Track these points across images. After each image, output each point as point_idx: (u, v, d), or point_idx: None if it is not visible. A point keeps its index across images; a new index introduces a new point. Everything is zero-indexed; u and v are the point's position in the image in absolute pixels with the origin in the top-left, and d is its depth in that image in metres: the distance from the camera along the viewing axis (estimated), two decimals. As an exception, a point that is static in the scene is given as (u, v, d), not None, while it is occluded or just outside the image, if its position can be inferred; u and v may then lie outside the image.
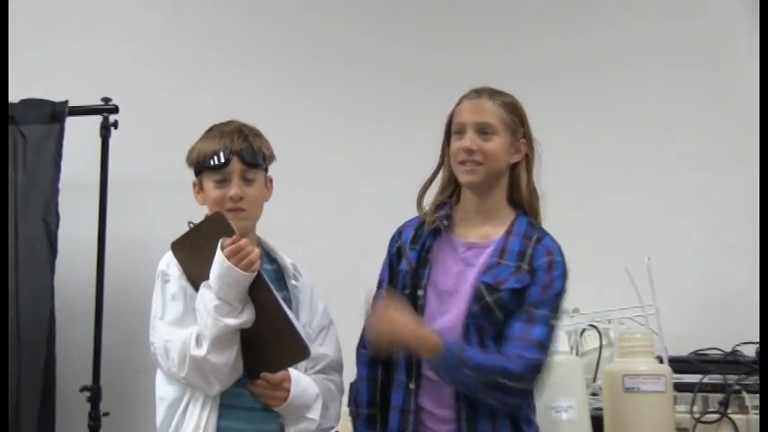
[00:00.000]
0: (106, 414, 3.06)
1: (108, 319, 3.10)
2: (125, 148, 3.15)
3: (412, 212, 2.19)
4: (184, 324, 2.07)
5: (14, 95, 3.04)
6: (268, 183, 2.24)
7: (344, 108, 3.46)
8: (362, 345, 2.26)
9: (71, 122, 3.09)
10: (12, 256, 2.99)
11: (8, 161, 3.24)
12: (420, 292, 2.13)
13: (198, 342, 2.00)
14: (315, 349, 2.19)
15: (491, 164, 2.08)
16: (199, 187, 2.20)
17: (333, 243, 3.18)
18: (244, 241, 1.97)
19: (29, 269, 3.02)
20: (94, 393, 3.04)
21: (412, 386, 2.12)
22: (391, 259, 2.26)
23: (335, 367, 2.26)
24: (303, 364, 2.17)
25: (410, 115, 3.29)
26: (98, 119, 3.12)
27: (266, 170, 2.23)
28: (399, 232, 2.27)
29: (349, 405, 2.26)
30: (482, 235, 2.13)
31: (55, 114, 3.10)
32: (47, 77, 3.34)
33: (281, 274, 2.23)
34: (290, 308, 2.15)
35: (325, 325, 2.27)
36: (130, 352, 3.25)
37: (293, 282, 2.22)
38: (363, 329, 2.22)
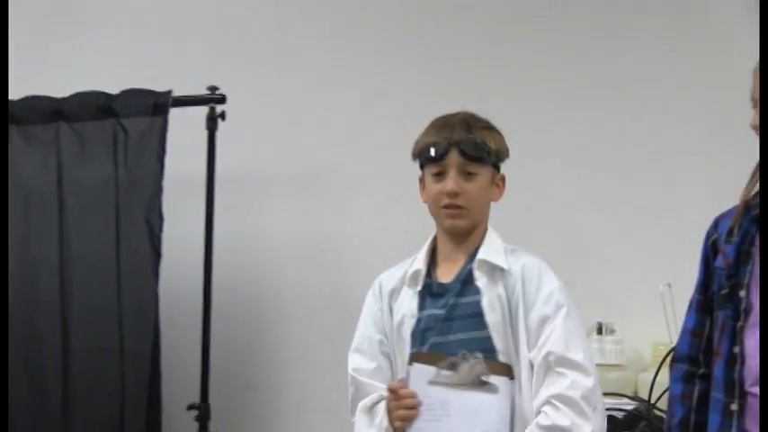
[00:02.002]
0: None
1: (217, 329, 3.07)
2: (234, 142, 3.13)
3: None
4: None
5: (115, 87, 3.08)
6: (498, 181, 2.21)
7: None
8: (675, 358, 2.15)
9: (175, 114, 3.06)
10: (113, 261, 3.00)
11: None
12: (742, 293, 1.97)
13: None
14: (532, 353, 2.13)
15: None
16: (422, 183, 2.22)
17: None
18: (404, 392, 2.07)
19: (131, 275, 3.01)
20: (203, 412, 3.00)
21: (734, 407, 1.95)
22: (706, 255, 2.11)
23: (552, 365, 2.10)
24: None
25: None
26: (204, 110, 3.08)
27: (496, 167, 2.21)
28: (715, 224, 2.15)
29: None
30: None
31: (158, 106, 3.05)
32: (148, 66, 3.34)
33: (470, 276, 2.17)
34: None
35: (548, 315, 2.13)
36: (241, 366, 3.32)
37: (477, 283, 2.14)
38: (678, 341, 2.15)
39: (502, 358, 2.10)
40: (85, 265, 3.05)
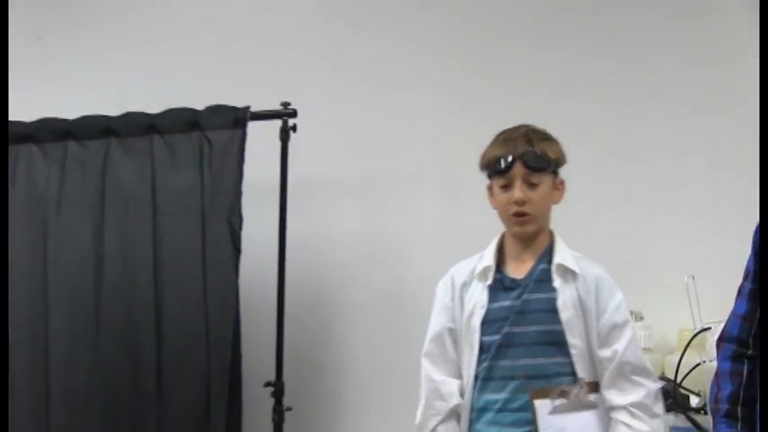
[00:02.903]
0: (289, 409, 3.13)
1: (289, 317, 3.18)
2: (304, 151, 3.23)
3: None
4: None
5: (199, 103, 3.20)
6: (559, 185, 2.29)
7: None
8: (723, 338, 2.18)
9: (252, 127, 3.18)
10: (199, 257, 3.12)
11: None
12: None
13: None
14: (604, 350, 2.21)
15: None
16: (490, 191, 2.30)
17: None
18: None
19: (215, 269, 3.12)
20: (278, 389, 3.12)
21: None
22: (756, 249, 2.14)
23: (626, 373, 2.21)
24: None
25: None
26: (278, 123, 3.19)
27: (555, 173, 2.28)
28: None
29: (709, 402, 2.20)
30: None
31: (238, 120, 3.17)
32: (229, 84, 3.46)
33: (547, 275, 2.25)
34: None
35: (617, 323, 2.22)
36: (311, 349, 3.40)
37: (554, 284, 2.23)
38: (728, 323, 2.16)
39: (573, 351, 2.21)
40: (176, 260, 3.19)
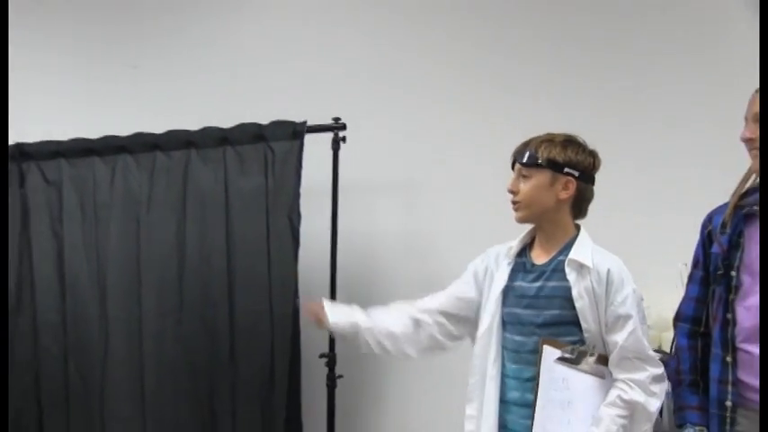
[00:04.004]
0: (341, 376, 3.29)
1: (340, 298, 3.24)
2: (352, 159, 3.34)
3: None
4: None
5: (264, 118, 3.35)
6: (560, 184, 2.30)
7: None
8: (679, 318, 2.29)
9: (308, 138, 3.28)
10: (264, 248, 3.27)
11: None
12: (733, 273, 2.12)
13: None
14: (609, 336, 2.23)
15: None
16: None
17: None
18: None
19: (278, 259, 3.25)
20: (331, 359, 3.29)
21: (729, 359, 2.11)
22: (703, 242, 2.25)
23: (629, 356, 2.22)
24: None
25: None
26: (330, 135, 3.31)
27: (560, 172, 2.29)
28: (710, 218, 2.26)
29: (669, 378, 2.26)
30: None
31: (296, 132, 3.29)
32: (289, 101, 3.56)
33: (563, 266, 2.28)
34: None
35: (621, 315, 2.23)
36: None
37: (568, 276, 2.26)
38: (683, 304, 2.26)
39: (586, 334, 2.24)
40: (245, 250, 3.32)
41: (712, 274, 2.21)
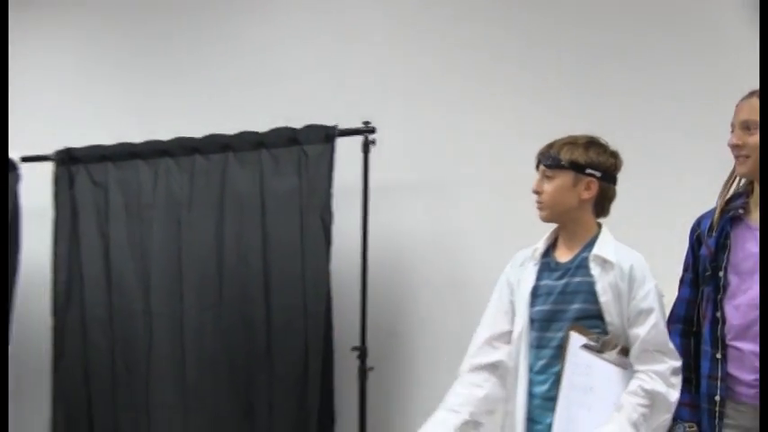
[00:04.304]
0: (371, 368, 3.34)
1: (371, 294, 3.36)
2: (381, 161, 3.40)
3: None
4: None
5: (299, 122, 3.43)
6: (582, 184, 2.34)
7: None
8: (672, 320, 2.32)
9: (340, 141, 3.37)
10: (298, 246, 3.36)
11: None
12: (721, 274, 2.18)
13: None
14: (631, 330, 2.28)
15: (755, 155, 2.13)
16: None
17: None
18: None
19: (311, 257, 3.34)
20: (362, 352, 3.34)
21: (719, 356, 2.17)
22: (692, 246, 2.32)
23: (650, 349, 2.26)
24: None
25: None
26: (360, 138, 3.37)
27: (582, 173, 2.33)
28: (698, 222, 2.32)
29: None
30: None
31: (328, 136, 3.37)
32: (321, 107, 3.62)
33: (587, 263, 2.32)
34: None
35: (643, 309, 2.27)
36: (389, 320, 3.55)
37: (592, 271, 2.31)
38: (675, 306, 2.30)
39: (609, 327, 2.28)
40: (280, 248, 3.41)
41: (701, 275, 2.27)
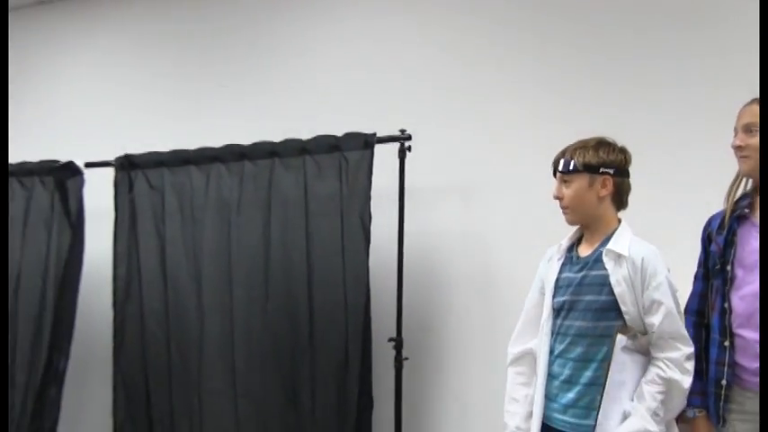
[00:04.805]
0: (406, 359, 3.43)
1: (406, 290, 3.46)
2: (416, 166, 3.49)
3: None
4: None
5: (340, 130, 3.52)
6: (598, 183, 2.43)
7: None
8: (686, 312, 2.41)
9: (378, 148, 3.45)
10: (339, 245, 3.44)
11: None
12: (728, 268, 2.29)
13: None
14: (647, 318, 2.36)
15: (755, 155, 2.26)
16: None
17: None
18: None
19: (351, 255, 3.42)
20: (398, 343, 3.43)
21: (726, 344, 2.26)
22: (704, 243, 2.42)
23: (665, 337, 2.34)
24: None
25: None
26: (396, 145, 3.45)
27: (596, 173, 2.42)
28: (709, 222, 2.43)
29: None
30: None
31: (367, 143, 3.46)
32: (361, 114, 3.75)
33: (600, 256, 2.42)
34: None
35: (656, 299, 2.34)
36: (422, 314, 3.62)
37: (606, 265, 2.39)
38: (689, 299, 2.40)
39: (626, 316, 2.35)
40: (322, 247, 3.50)
41: (711, 269, 2.38)
